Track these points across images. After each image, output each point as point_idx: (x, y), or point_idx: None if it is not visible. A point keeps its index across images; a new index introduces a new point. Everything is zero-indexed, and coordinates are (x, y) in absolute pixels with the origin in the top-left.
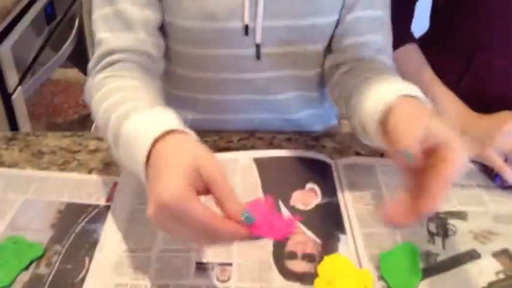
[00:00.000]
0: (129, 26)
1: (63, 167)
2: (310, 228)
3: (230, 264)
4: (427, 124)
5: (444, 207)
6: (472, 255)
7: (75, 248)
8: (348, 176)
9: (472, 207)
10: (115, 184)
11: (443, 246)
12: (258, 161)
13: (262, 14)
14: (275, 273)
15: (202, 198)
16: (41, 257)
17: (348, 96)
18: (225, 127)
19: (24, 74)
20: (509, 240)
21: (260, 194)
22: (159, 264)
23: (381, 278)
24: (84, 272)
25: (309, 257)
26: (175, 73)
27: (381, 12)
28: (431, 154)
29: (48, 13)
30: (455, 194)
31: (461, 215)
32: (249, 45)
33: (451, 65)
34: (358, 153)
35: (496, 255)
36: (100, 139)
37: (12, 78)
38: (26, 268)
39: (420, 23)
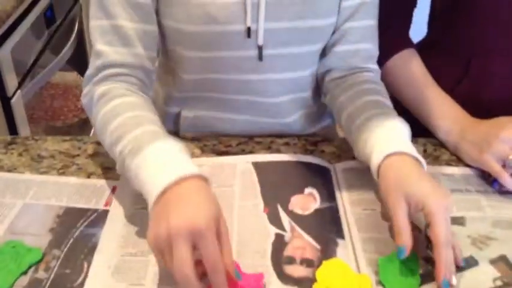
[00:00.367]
0: (126, 41)
1: (62, 171)
2: (308, 233)
3: None
4: (408, 194)
5: None
6: (469, 262)
7: (74, 252)
8: (346, 181)
9: (470, 212)
10: (114, 188)
11: None
12: (256, 165)
13: (264, 16)
14: (273, 277)
15: None
16: (40, 261)
17: (339, 118)
18: (223, 126)
19: (23, 78)
20: (506, 246)
21: (259, 198)
22: (157, 268)
23: (379, 283)
24: (83, 276)
25: (307, 262)
26: (177, 75)
27: (372, 21)
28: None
29: (48, 17)
30: (454, 199)
31: (459, 221)
32: (252, 47)
33: (449, 70)
34: (356, 158)
35: (493, 262)
36: (99, 143)
37: (11, 81)
38: (25, 272)
39: (418, 29)
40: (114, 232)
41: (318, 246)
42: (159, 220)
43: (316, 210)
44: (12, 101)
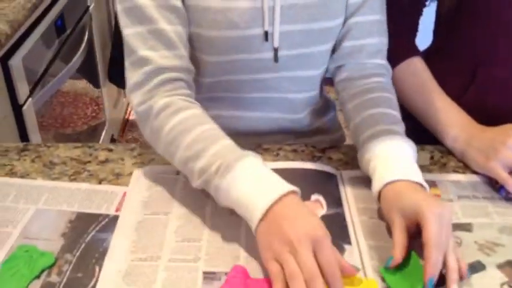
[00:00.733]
0: (170, 44)
1: (73, 177)
2: None
3: None
4: (402, 208)
5: None
6: (477, 267)
7: (85, 256)
8: (353, 189)
9: (477, 218)
10: (124, 194)
11: None
12: None
13: (280, 20)
14: None
15: None
16: (53, 265)
17: (348, 125)
18: (236, 123)
19: (34, 86)
20: None
21: None
22: (167, 273)
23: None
24: (94, 280)
25: None
26: (197, 80)
27: (378, 16)
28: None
29: (59, 26)
30: (461, 205)
31: (466, 227)
32: (268, 50)
33: (455, 78)
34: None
35: (500, 266)
36: (110, 150)
37: (23, 89)
38: (38, 276)
39: (425, 36)
40: (125, 237)
41: None
42: (271, 237)
43: (323, 217)
44: (24, 108)
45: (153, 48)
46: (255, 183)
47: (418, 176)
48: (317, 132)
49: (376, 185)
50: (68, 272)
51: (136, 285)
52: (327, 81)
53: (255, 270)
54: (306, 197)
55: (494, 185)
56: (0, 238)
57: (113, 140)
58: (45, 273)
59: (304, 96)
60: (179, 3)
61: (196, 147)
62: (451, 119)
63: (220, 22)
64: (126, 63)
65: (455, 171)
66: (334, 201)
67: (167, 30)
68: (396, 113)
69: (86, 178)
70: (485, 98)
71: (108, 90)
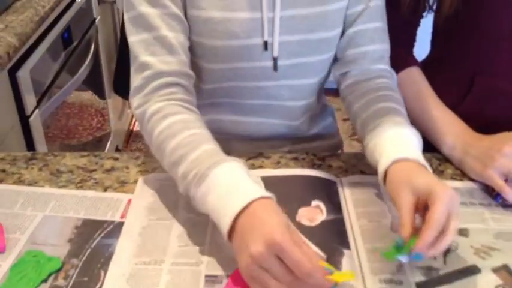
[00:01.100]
0: (171, 50)
1: (80, 185)
2: (315, 243)
3: None
4: (414, 185)
5: None
6: (472, 271)
7: (91, 261)
8: (352, 194)
9: (474, 224)
10: (129, 201)
11: (444, 262)
12: (265, 179)
13: (279, 31)
14: None
15: None
16: (59, 269)
17: (355, 126)
18: (236, 128)
19: (41, 97)
20: (509, 256)
21: None
22: (170, 276)
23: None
24: (99, 284)
25: None
26: (196, 85)
27: (378, 23)
28: (427, 206)
29: (65, 38)
30: None
31: (462, 232)
32: (268, 59)
33: (453, 88)
34: (362, 172)
35: (496, 270)
36: (115, 159)
37: (30, 101)
38: (45, 280)
39: (424, 47)
40: (129, 242)
41: (324, 256)
42: (241, 256)
43: (323, 222)
44: (31, 119)
45: (154, 53)
46: (225, 194)
47: (424, 160)
48: (315, 138)
49: (383, 164)
50: (74, 276)
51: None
52: (327, 91)
53: None
54: (306, 203)
55: (490, 192)
56: (9, 244)
57: (117, 151)
58: (52, 277)
59: (303, 103)
60: (181, 13)
61: (179, 152)
62: (449, 128)
63: (221, 32)
64: (131, 70)
65: (452, 179)
66: (334, 207)
67: (169, 37)
68: (402, 109)
69: (92, 186)
70: (483, 107)
71: (113, 101)
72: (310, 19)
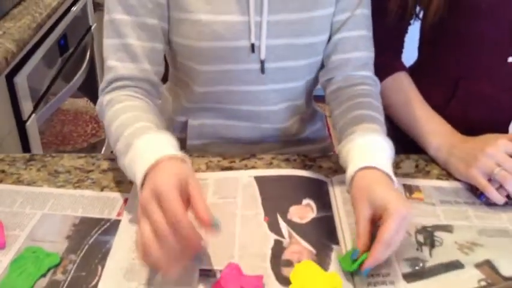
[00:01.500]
0: (134, 58)
1: (77, 185)
2: (305, 239)
3: None
4: (371, 198)
5: (431, 221)
6: (456, 265)
7: (88, 257)
8: (342, 193)
9: (458, 221)
10: (125, 200)
11: (430, 255)
12: (258, 179)
13: (266, 34)
14: (272, 278)
15: None
16: (58, 265)
17: (335, 131)
18: (227, 132)
19: (37, 103)
20: (491, 252)
21: (260, 208)
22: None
23: (351, 276)
24: (97, 278)
25: None
26: (189, 87)
27: (363, 31)
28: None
29: (61, 45)
30: (443, 209)
31: (447, 228)
32: (255, 61)
33: (438, 92)
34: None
35: (478, 265)
36: (111, 159)
37: (27, 106)
38: (44, 275)
39: (412, 53)
40: (126, 238)
41: (314, 251)
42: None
43: (313, 219)
44: (27, 124)
45: (119, 59)
46: (139, 156)
47: (390, 169)
48: (305, 141)
49: (350, 171)
50: (72, 271)
51: (136, 281)
52: (318, 98)
53: (248, 268)
54: (297, 201)
55: (475, 191)
56: (9, 240)
57: None
58: (51, 271)
59: (290, 105)
60: (155, 22)
61: (118, 131)
62: (434, 130)
63: (208, 34)
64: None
65: (438, 179)
66: (325, 205)
67: (134, 45)
68: (380, 116)
69: (89, 185)
70: (467, 110)
71: None
72: (297, 24)
